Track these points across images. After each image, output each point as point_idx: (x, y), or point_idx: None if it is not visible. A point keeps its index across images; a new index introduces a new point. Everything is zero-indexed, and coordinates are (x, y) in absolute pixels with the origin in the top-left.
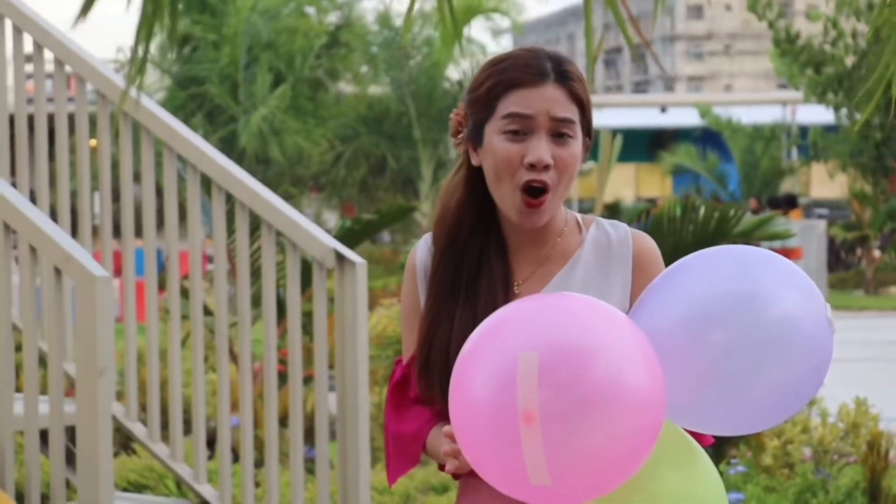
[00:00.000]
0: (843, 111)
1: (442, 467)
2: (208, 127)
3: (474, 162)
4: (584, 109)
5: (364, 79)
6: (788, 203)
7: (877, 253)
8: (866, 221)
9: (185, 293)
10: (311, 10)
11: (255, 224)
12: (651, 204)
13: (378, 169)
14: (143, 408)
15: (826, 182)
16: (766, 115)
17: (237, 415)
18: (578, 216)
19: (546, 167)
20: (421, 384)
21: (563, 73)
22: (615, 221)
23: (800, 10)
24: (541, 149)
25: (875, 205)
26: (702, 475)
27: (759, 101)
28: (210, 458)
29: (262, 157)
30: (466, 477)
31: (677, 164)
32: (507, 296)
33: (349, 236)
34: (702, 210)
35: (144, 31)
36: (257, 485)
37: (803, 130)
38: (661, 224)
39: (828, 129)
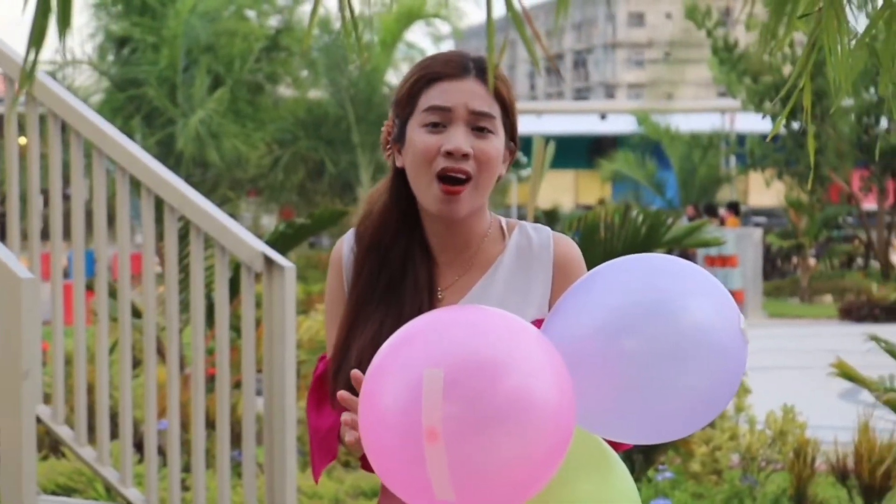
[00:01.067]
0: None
1: (364, 463)
2: (146, 129)
3: (399, 164)
4: (507, 110)
5: (303, 83)
6: (732, 209)
7: (812, 261)
8: (802, 230)
9: (114, 296)
10: (251, 13)
11: (186, 227)
12: (589, 211)
13: (317, 173)
14: (71, 410)
15: (763, 190)
16: (705, 123)
17: (165, 418)
18: (503, 221)
19: (465, 156)
20: (332, 388)
21: (485, 70)
22: (538, 225)
23: (738, 18)
24: (458, 137)
25: (811, 213)
26: (616, 483)
27: (698, 109)
28: (138, 461)
29: (200, 161)
30: None
31: (616, 171)
32: (431, 302)
33: (283, 240)
34: (640, 218)
35: (37, 32)
36: (185, 488)
37: (741, 139)
38: (595, 230)
39: (765, 138)
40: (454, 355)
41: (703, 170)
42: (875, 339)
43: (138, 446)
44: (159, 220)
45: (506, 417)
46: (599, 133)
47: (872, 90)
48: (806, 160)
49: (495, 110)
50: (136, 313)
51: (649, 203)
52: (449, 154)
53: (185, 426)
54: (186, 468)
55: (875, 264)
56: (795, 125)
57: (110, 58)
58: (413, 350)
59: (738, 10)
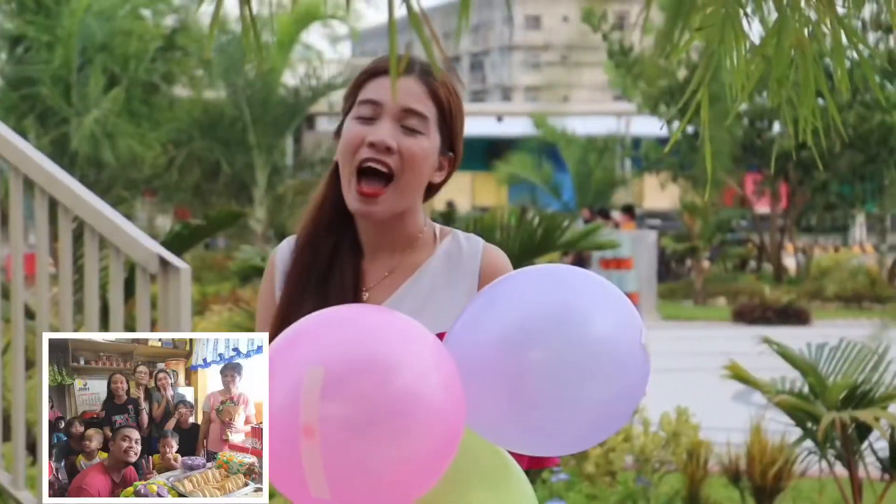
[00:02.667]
0: (676, 123)
1: None
2: (40, 129)
3: (337, 158)
4: (445, 115)
5: (199, 83)
6: (627, 212)
7: (706, 264)
8: (696, 233)
9: (6, 297)
10: (147, 12)
11: (81, 228)
12: (485, 212)
13: (212, 174)
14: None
15: (658, 193)
16: (600, 127)
17: None
18: (437, 227)
19: (388, 150)
20: None
21: (427, 71)
22: (471, 235)
23: (631, 22)
24: (383, 130)
25: (705, 217)
26: (513, 492)
27: (594, 113)
28: (30, 464)
29: (94, 160)
30: None
31: (513, 173)
32: (356, 300)
33: (178, 241)
34: (536, 220)
35: None
36: None
37: (636, 142)
38: (491, 232)
39: (660, 142)
40: (338, 354)
41: (599, 173)
42: (767, 341)
43: (31, 448)
44: (53, 220)
45: (388, 417)
46: (496, 135)
47: (765, 94)
48: (700, 164)
49: (430, 111)
50: (30, 314)
51: (546, 205)
52: (372, 145)
53: None
54: None
55: (768, 267)
56: (690, 129)
57: (3, 56)
58: (297, 348)
59: (633, 14)
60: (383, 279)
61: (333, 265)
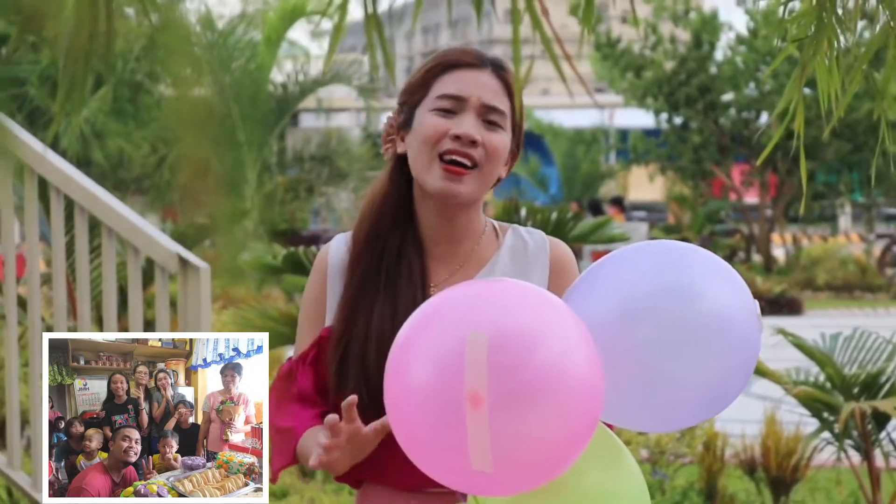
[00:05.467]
0: (663, 115)
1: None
2: (29, 129)
3: (400, 150)
4: (514, 110)
5: (185, 81)
6: (616, 204)
7: None
8: (685, 224)
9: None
10: (130, 11)
11: (96, 228)
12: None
13: (202, 172)
14: None
15: (644, 185)
16: (584, 119)
17: None
18: (495, 223)
19: (473, 143)
20: (335, 379)
21: (500, 66)
22: (531, 228)
23: (615, 15)
24: (469, 124)
25: (694, 207)
26: (627, 473)
27: (579, 105)
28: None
29: (83, 160)
30: (366, 487)
31: None
32: (424, 296)
33: (182, 240)
34: (523, 213)
35: None
36: None
37: (623, 134)
38: None
39: (647, 133)
40: (491, 325)
41: (586, 165)
42: (783, 332)
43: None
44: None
45: (545, 387)
46: None
47: (753, 85)
48: (688, 155)
49: (506, 107)
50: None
51: (532, 199)
52: (457, 138)
53: None
54: None
55: (757, 258)
56: (678, 120)
57: None
58: (446, 321)
59: (614, 6)
60: (454, 273)
61: (401, 259)
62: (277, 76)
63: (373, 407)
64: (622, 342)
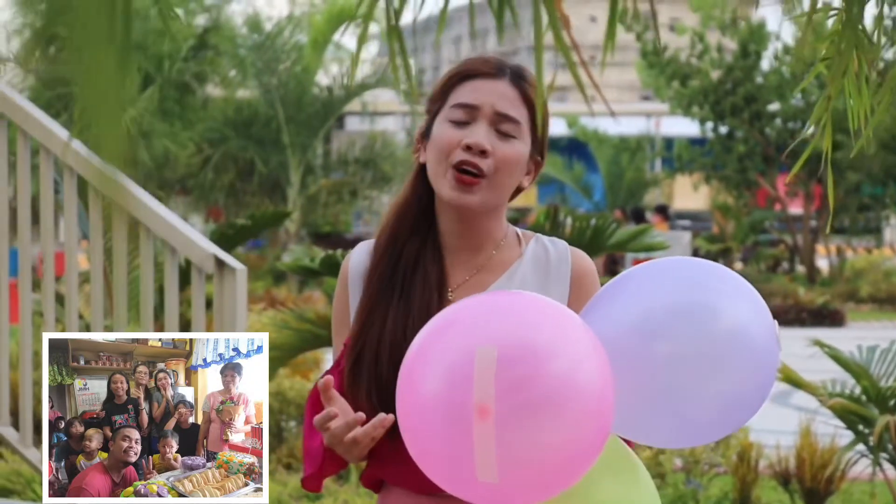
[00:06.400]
0: (709, 124)
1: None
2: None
3: (421, 159)
4: (535, 119)
5: (232, 82)
6: (660, 212)
7: (739, 265)
8: (729, 234)
9: (60, 296)
10: (179, 12)
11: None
12: (517, 213)
13: (246, 173)
14: (12, 413)
15: (689, 193)
16: (630, 127)
17: None
18: (518, 231)
19: (483, 153)
20: (349, 382)
21: (520, 75)
22: (555, 238)
23: (663, 23)
24: (479, 133)
25: (738, 217)
26: (640, 487)
27: (625, 113)
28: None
29: (129, 160)
30: (386, 490)
31: (543, 173)
32: (441, 300)
33: (223, 241)
34: (568, 220)
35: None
36: None
37: (668, 142)
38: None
39: (693, 142)
40: (504, 336)
41: (631, 173)
42: (819, 344)
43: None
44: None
45: (553, 401)
46: None
47: (798, 96)
48: (733, 164)
49: (522, 116)
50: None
51: (576, 206)
52: (468, 148)
53: None
54: None
55: (801, 268)
56: (723, 129)
57: (36, 55)
58: (459, 331)
59: (663, 15)
60: (471, 277)
61: (417, 266)
62: (323, 79)
63: (384, 412)
64: (640, 358)
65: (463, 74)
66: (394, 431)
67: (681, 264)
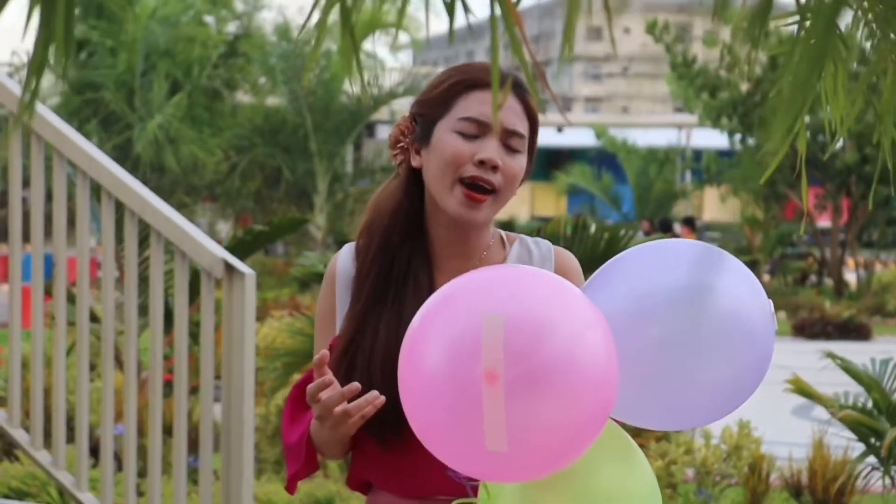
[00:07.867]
0: (738, 136)
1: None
2: (103, 133)
3: (415, 164)
4: (533, 130)
5: (261, 90)
6: (688, 224)
7: (766, 277)
8: (757, 246)
9: (72, 300)
10: (210, 19)
11: (145, 232)
12: (545, 223)
13: (273, 180)
14: (26, 414)
15: (718, 205)
16: (661, 138)
17: (122, 423)
18: (502, 233)
19: (495, 168)
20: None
21: (521, 86)
22: (538, 239)
23: (697, 35)
24: (492, 149)
25: (766, 230)
26: (638, 470)
27: (655, 124)
28: (93, 466)
29: (156, 165)
30: (373, 494)
31: (572, 183)
32: None
33: (241, 247)
34: (592, 229)
35: (37, 63)
36: (140, 494)
37: (697, 154)
38: (554, 242)
39: (722, 154)
40: (508, 308)
41: (659, 184)
42: (831, 356)
43: (94, 451)
44: (119, 224)
45: (559, 372)
46: (556, 146)
47: (830, 109)
48: (760, 177)
49: (526, 130)
50: (94, 318)
51: (605, 216)
52: (481, 163)
53: (141, 431)
54: (142, 473)
55: (828, 282)
56: (751, 141)
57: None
58: (462, 304)
59: (696, 26)
60: None
61: (408, 275)
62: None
63: (379, 419)
64: (635, 339)
65: (468, 83)
66: (379, 437)
67: (676, 246)
